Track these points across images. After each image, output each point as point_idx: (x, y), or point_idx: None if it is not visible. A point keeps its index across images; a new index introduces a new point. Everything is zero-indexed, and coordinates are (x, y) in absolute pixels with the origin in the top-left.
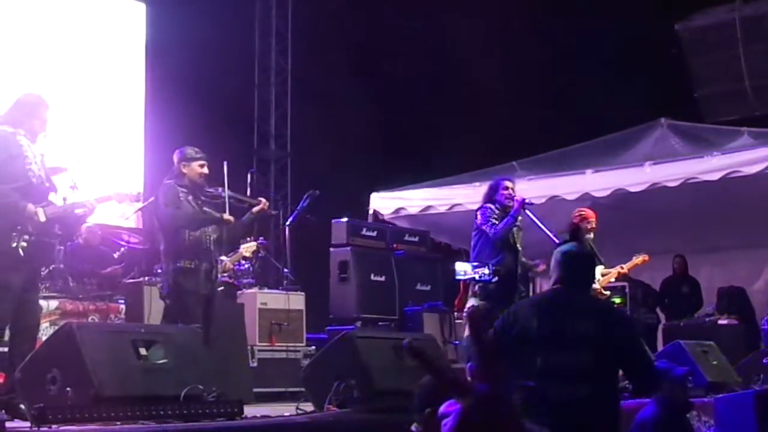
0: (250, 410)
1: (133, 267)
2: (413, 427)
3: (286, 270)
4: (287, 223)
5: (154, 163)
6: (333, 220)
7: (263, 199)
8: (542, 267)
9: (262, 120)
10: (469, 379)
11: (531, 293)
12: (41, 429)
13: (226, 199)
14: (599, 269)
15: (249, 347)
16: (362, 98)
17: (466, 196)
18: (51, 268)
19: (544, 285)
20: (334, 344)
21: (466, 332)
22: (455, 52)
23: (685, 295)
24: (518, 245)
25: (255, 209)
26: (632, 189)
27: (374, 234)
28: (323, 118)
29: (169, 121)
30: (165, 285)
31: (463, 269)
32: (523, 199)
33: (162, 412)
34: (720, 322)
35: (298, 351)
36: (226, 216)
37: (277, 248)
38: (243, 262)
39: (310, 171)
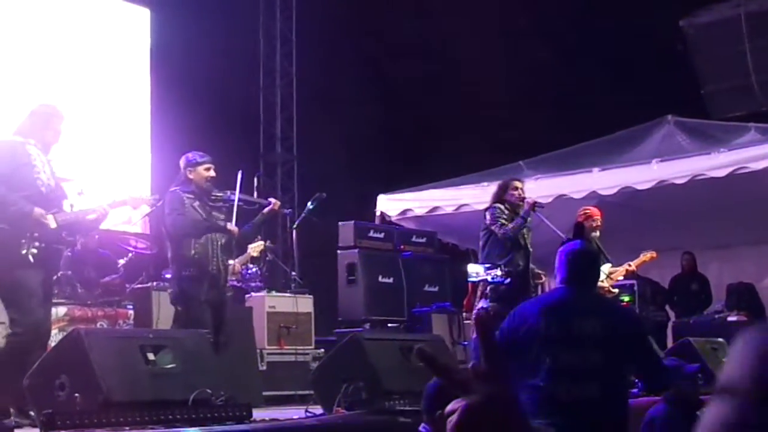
0: (260, 413)
1: (140, 272)
2: (422, 428)
3: (294, 273)
4: (294, 226)
5: (161, 167)
6: (340, 223)
7: (274, 200)
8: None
9: (268, 123)
10: (475, 378)
11: (539, 293)
12: None
13: (235, 203)
14: (606, 267)
15: (258, 351)
16: (368, 100)
17: (473, 196)
18: (59, 274)
19: (552, 284)
20: (343, 346)
21: (474, 333)
22: (460, 53)
23: (694, 292)
24: (529, 246)
25: (266, 210)
26: (639, 187)
27: (381, 236)
28: (329, 121)
29: (175, 125)
30: (173, 291)
31: (475, 271)
32: (535, 201)
33: (170, 417)
34: (729, 318)
35: (307, 354)
36: (230, 226)
37: (284, 251)
38: (251, 265)
39: (316, 173)
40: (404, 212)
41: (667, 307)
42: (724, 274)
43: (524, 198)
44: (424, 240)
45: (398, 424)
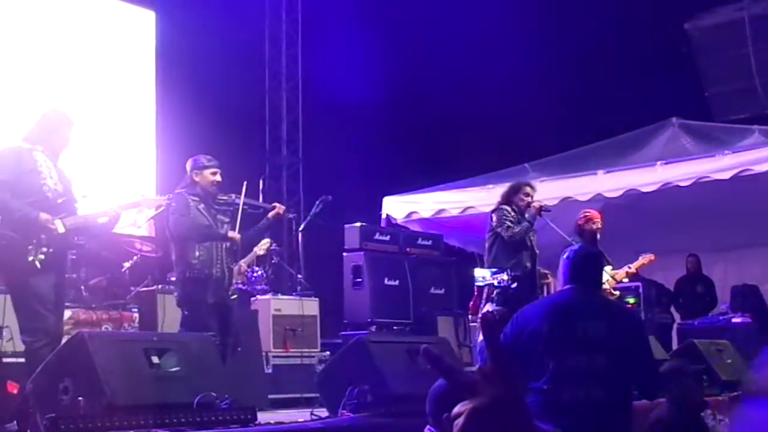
0: (265, 416)
1: (145, 275)
2: (427, 431)
3: (299, 276)
4: (300, 228)
5: (166, 170)
6: (346, 225)
7: (278, 204)
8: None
9: (274, 126)
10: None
11: (546, 293)
12: None
13: (240, 207)
14: (607, 269)
15: (263, 353)
16: (373, 102)
17: (478, 198)
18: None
19: (557, 286)
20: (348, 349)
21: (480, 336)
22: (466, 55)
23: (699, 295)
24: (535, 247)
25: (271, 214)
26: (644, 189)
27: (387, 238)
28: (335, 123)
29: (180, 128)
30: (178, 294)
31: (482, 275)
32: (541, 205)
33: (175, 420)
34: (734, 320)
35: (313, 356)
36: (232, 233)
37: (290, 254)
38: (256, 268)
39: (322, 176)
40: (410, 215)
41: (672, 309)
42: (729, 275)
43: (532, 204)
44: (429, 242)
45: (404, 427)
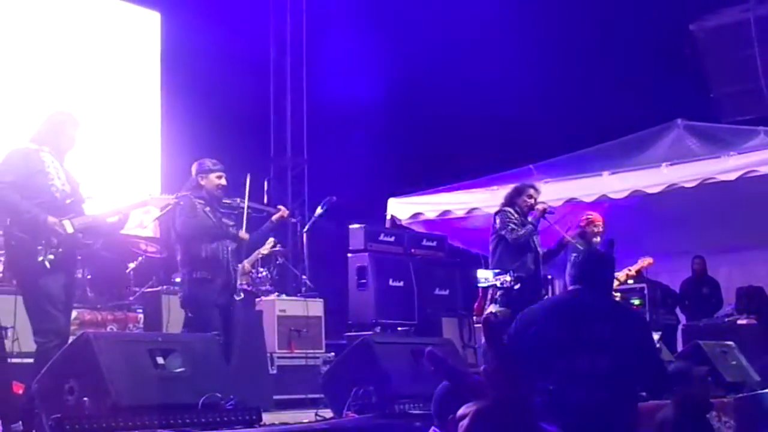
0: (270, 417)
1: (150, 276)
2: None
3: (304, 276)
4: (305, 229)
5: (171, 171)
6: (350, 226)
7: (282, 207)
8: None
9: (279, 127)
10: (486, 382)
11: (550, 295)
12: None
13: (245, 210)
14: None
15: (268, 354)
16: (378, 103)
17: (483, 200)
18: None
19: (559, 287)
20: (353, 350)
21: (484, 337)
22: (470, 56)
23: (705, 296)
24: (538, 248)
25: (274, 217)
26: (649, 190)
27: (392, 239)
28: (340, 124)
29: (185, 129)
30: (183, 294)
31: (485, 276)
32: (545, 208)
33: (180, 421)
34: (739, 322)
35: (318, 357)
36: (242, 233)
37: (295, 255)
38: (261, 269)
39: (327, 177)
40: (415, 216)
41: (677, 311)
42: (734, 277)
43: (536, 207)
44: (434, 244)
45: (408, 428)
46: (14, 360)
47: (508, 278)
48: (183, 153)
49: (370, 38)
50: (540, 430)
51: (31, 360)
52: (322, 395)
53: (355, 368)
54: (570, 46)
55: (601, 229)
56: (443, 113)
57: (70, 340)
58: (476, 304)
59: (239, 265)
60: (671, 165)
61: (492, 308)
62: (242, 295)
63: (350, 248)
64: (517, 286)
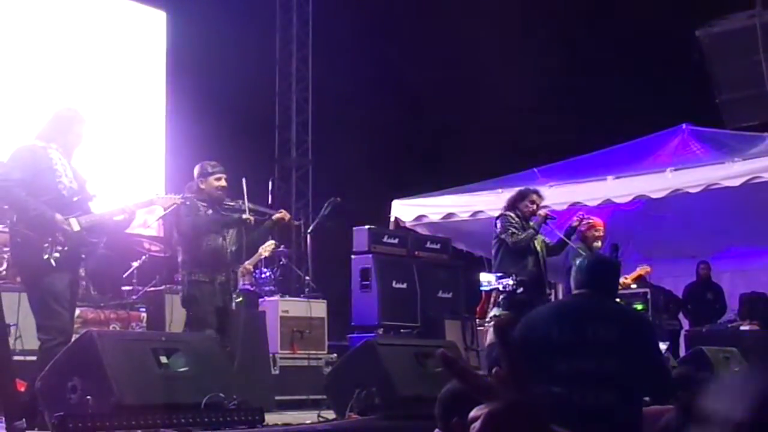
0: (272, 418)
1: (154, 275)
2: None
3: (307, 277)
4: (309, 230)
5: (175, 171)
6: (354, 228)
7: (283, 210)
8: None
9: (283, 128)
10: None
11: (554, 298)
12: None
13: (247, 210)
14: None
15: (271, 355)
16: (383, 104)
17: (487, 203)
18: None
19: (561, 291)
20: (356, 351)
21: (488, 340)
22: (476, 59)
23: (709, 302)
24: (541, 252)
25: (275, 216)
26: (654, 195)
27: (396, 241)
28: (344, 125)
29: (190, 129)
30: (183, 294)
31: (487, 280)
32: (547, 213)
33: (183, 420)
34: (742, 328)
35: (320, 359)
36: (246, 215)
37: (298, 256)
38: (264, 269)
39: (331, 178)
40: (419, 218)
41: (681, 316)
42: (737, 283)
43: (537, 212)
44: (438, 246)
45: (411, 430)
46: (17, 357)
47: (510, 282)
48: (188, 152)
49: (375, 40)
50: None
51: (34, 358)
52: (324, 396)
53: (358, 369)
54: (576, 51)
55: (602, 234)
56: (449, 116)
57: (73, 339)
58: (479, 307)
59: (240, 267)
60: (676, 170)
61: (495, 311)
62: (242, 297)
63: (354, 249)
64: (519, 290)
